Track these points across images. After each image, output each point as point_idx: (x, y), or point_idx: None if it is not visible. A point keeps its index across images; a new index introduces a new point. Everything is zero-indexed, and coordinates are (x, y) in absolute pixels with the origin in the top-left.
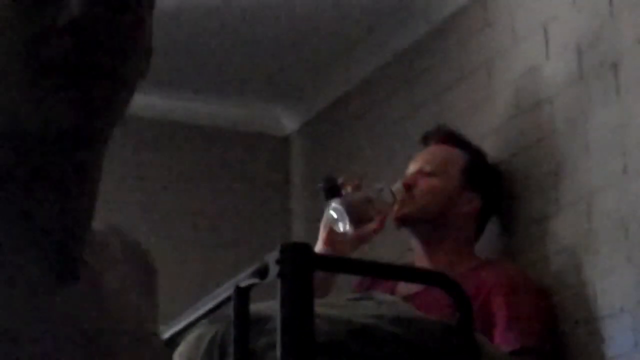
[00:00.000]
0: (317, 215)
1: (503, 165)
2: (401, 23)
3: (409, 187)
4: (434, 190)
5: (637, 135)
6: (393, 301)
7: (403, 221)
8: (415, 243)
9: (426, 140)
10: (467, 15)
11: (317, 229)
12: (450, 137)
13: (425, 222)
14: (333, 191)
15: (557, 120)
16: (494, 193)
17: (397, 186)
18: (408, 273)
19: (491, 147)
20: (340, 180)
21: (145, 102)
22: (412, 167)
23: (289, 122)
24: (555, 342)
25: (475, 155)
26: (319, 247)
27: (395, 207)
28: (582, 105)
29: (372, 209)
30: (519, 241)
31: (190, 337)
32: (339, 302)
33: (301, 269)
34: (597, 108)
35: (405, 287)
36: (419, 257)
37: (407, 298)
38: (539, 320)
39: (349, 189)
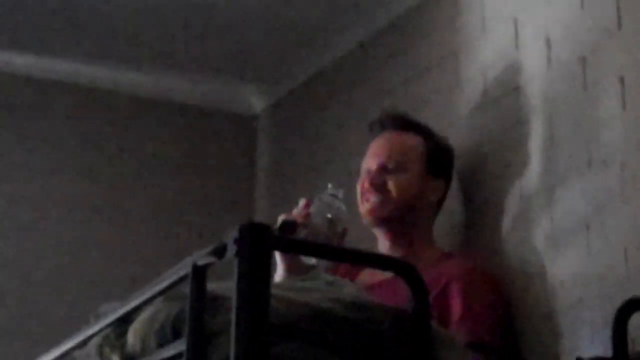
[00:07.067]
0: (281, 197)
1: (469, 154)
2: (371, 8)
3: (378, 187)
4: (405, 187)
5: (603, 127)
6: (340, 282)
7: (380, 222)
8: (380, 234)
9: (378, 127)
10: (437, 3)
11: (281, 211)
12: (402, 123)
13: (398, 219)
14: (292, 231)
15: (523, 111)
16: (451, 175)
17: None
18: (364, 257)
19: (457, 136)
20: (292, 217)
21: (113, 77)
22: (372, 162)
23: (257, 102)
24: (511, 338)
25: (431, 138)
26: (281, 274)
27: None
28: (549, 97)
29: (335, 226)
30: (479, 232)
31: (145, 314)
32: (295, 285)
33: (259, 248)
34: (564, 100)
35: (368, 277)
36: (384, 249)
37: (369, 288)
38: (492, 316)
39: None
